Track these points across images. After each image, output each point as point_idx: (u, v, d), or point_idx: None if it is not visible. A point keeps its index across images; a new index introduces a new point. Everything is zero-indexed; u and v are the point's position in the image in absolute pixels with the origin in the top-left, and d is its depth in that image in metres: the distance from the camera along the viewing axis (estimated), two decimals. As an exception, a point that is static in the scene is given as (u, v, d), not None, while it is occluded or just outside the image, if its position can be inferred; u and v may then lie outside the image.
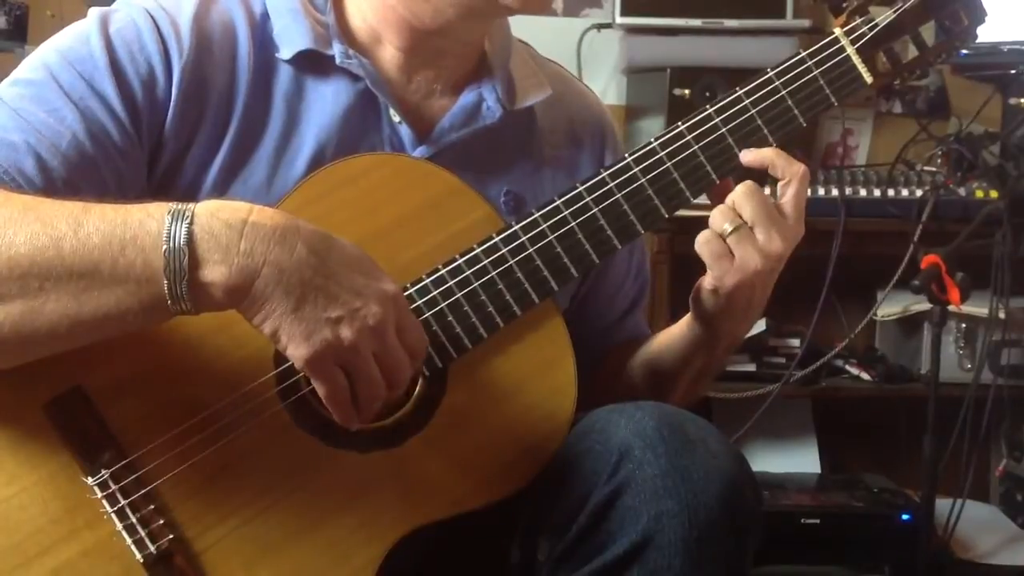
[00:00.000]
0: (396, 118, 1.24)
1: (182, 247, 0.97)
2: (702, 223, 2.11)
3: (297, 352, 1.00)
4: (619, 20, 2.62)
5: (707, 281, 1.20)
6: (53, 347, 1.02)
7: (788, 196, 1.18)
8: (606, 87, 2.79)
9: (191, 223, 0.98)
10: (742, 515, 1.07)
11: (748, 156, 1.20)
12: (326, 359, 1.01)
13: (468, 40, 1.27)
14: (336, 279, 1.00)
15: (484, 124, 1.28)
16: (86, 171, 1.12)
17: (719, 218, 1.18)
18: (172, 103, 1.17)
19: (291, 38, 1.22)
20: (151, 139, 1.17)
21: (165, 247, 0.97)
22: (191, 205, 1.00)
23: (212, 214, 0.99)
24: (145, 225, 0.99)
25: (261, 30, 1.22)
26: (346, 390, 1.03)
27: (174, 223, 0.98)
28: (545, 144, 1.34)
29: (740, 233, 1.16)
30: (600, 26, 2.75)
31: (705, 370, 1.32)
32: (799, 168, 1.19)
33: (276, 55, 1.22)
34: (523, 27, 1.35)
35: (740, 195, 1.17)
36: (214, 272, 0.98)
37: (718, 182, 1.21)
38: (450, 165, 1.20)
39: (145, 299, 0.99)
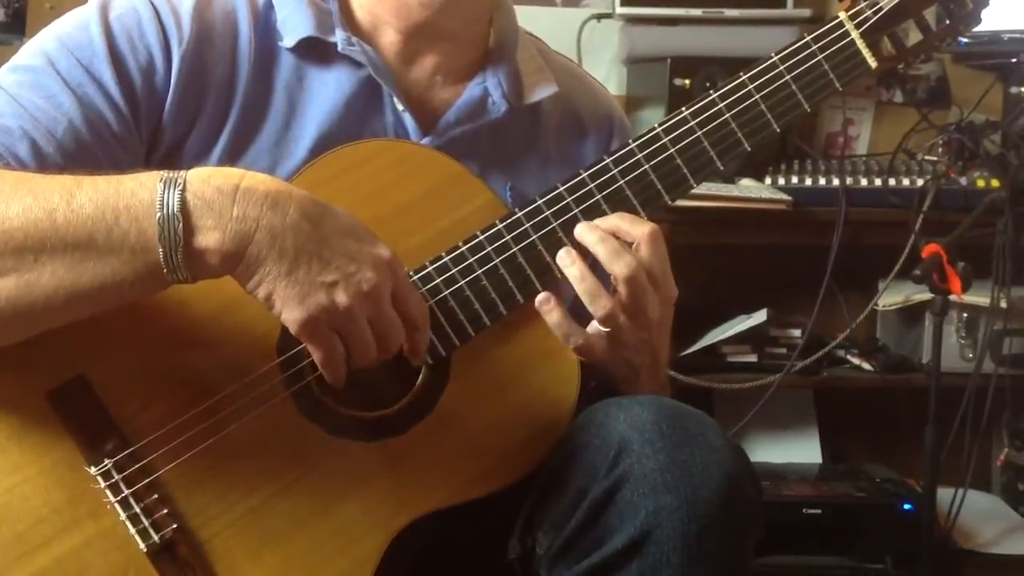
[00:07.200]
0: (399, 106, 1.24)
1: (176, 214, 0.97)
2: (703, 212, 2.14)
3: (291, 316, 1.00)
4: (619, 10, 2.61)
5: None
6: (50, 321, 1.02)
7: (646, 260, 1.13)
8: (606, 77, 2.77)
9: (184, 190, 0.98)
10: (741, 510, 1.06)
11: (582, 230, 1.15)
12: (320, 323, 1.01)
13: (464, 19, 1.25)
14: (329, 244, 1.00)
15: (489, 119, 1.27)
16: (81, 158, 1.12)
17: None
18: (171, 91, 1.16)
19: (294, 26, 1.21)
20: (149, 127, 1.16)
21: (159, 215, 0.97)
22: (183, 172, 0.99)
23: (204, 180, 0.99)
24: (138, 194, 0.98)
25: (264, 20, 1.22)
26: (342, 355, 1.03)
27: (167, 190, 0.98)
28: (551, 140, 1.33)
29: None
30: (600, 16, 2.74)
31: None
32: (646, 228, 1.14)
33: (279, 44, 1.22)
34: (521, 18, 1.33)
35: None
36: (208, 238, 0.97)
37: (722, 168, 1.20)
38: (454, 158, 1.19)
39: (140, 268, 0.99)
